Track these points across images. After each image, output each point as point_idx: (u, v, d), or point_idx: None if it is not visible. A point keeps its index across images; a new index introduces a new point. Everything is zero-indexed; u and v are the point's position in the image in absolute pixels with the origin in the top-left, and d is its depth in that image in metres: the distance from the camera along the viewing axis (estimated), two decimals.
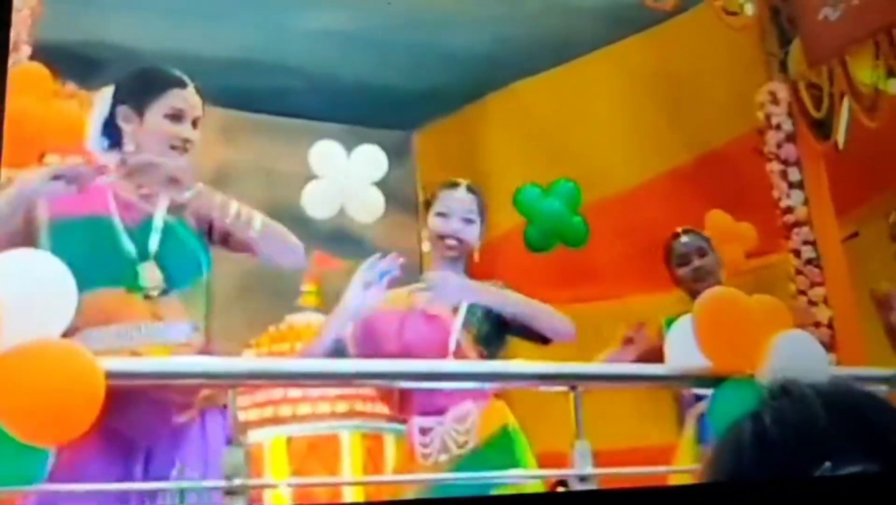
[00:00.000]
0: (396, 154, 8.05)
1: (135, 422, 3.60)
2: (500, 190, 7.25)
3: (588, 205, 6.97)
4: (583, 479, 3.84)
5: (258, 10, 7.39)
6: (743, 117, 7.57)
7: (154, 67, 4.18)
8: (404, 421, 4.35)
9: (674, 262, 5.47)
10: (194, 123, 4.03)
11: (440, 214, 4.49)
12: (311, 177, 7.52)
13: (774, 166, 7.34)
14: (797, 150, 7.37)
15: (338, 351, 4.18)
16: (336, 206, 7.44)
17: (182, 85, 4.03)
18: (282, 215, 7.33)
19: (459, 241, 4.47)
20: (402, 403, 4.32)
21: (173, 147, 3.95)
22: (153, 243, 3.84)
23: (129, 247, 3.81)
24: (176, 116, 3.96)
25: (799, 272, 7.01)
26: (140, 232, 3.84)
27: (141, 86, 4.02)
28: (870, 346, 6.07)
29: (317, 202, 7.37)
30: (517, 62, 8.25)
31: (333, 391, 6.53)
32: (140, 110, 3.96)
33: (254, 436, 6.16)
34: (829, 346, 6.43)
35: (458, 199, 4.51)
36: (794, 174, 7.29)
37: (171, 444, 3.65)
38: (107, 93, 4.03)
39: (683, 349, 4.34)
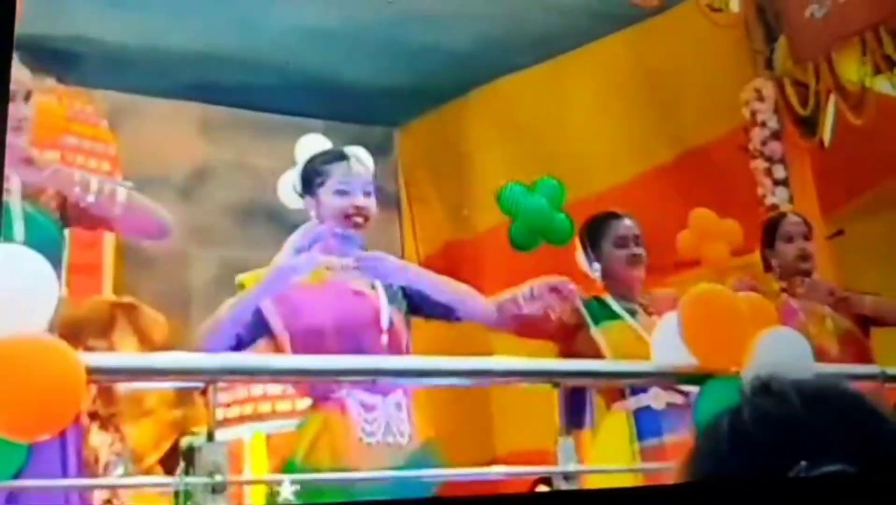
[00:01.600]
0: (378, 150, 8.05)
1: None
2: (482, 187, 7.29)
3: (572, 202, 6.97)
4: (567, 477, 3.86)
5: (240, 4, 7.39)
6: (728, 114, 7.60)
7: None
8: (325, 395, 4.14)
9: (608, 241, 5.31)
10: (26, 98, 3.91)
11: (340, 192, 4.35)
12: None
13: (759, 164, 7.38)
14: (782, 147, 7.40)
15: (255, 324, 4.12)
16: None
17: None
18: (261, 211, 7.40)
19: (366, 217, 4.35)
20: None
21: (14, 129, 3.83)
22: (18, 232, 3.77)
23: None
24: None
25: None
26: (4, 219, 3.71)
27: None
28: None
29: (292, 189, 7.34)
30: (500, 59, 8.25)
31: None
32: None
33: (234, 432, 6.15)
34: None
35: (355, 174, 4.39)
36: (779, 171, 7.33)
37: None
38: None
39: (669, 346, 4.37)
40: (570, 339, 4.94)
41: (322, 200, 4.38)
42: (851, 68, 7.34)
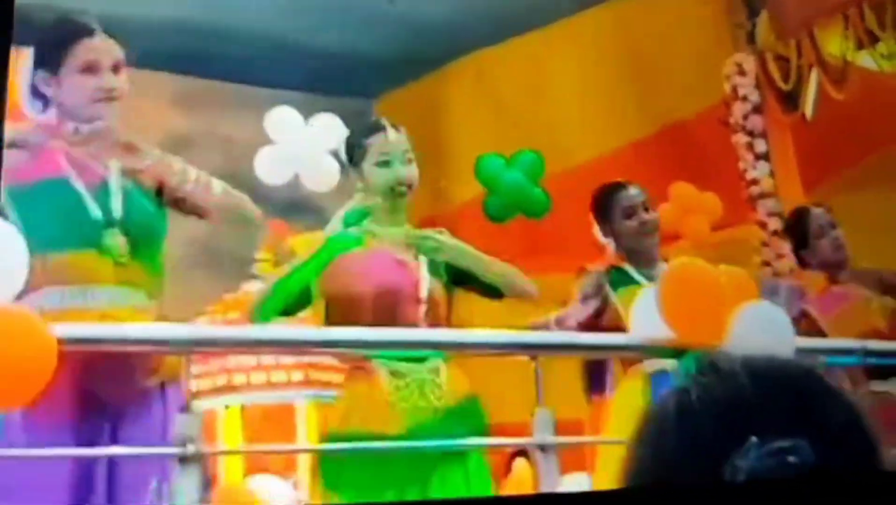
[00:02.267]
0: (357, 122, 8.04)
1: (105, 384, 3.60)
2: (461, 159, 7.27)
3: (550, 175, 6.97)
4: (543, 448, 3.85)
5: None
6: (709, 89, 7.60)
7: (59, 21, 4.05)
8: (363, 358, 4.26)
9: (616, 213, 5.30)
10: (115, 69, 3.92)
11: (382, 164, 4.39)
12: (267, 144, 7.50)
13: (740, 138, 7.39)
14: (764, 121, 7.40)
15: (302, 294, 4.24)
16: (290, 173, 7.39)
17: (89, 34, 3.88)
18: (236, 183, 7.32)
19: (409, 186, 4.40)
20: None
21: (97, 100, 3.88)
22: (116, 209, 3.80)
23: (94, 209, 3.77)
24: (90, 69, 3.87)
25: (765, 244, 7.05)
26: (101, 195, 3.80)
27: (50, 45, 3.92)
28: None
29: (270, 168, 7.32)
30: (479, 31, 8.22)
31: (289, 359, 6.53)
32: (55, 71, 3.86)
33: (208, 404, 6.14)
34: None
35: (394, 143, 4.41)
36: (760, 146, 7.33)
37: (137, 408, 3.63)
38: (27, 56, 3.98)
39: (647, 319, 4.36)
40: (600, 315, 4.97)
41: (366, 173, 4.41)
42: (834, 43, 7.34)
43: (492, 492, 4.10)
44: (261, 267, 6.92)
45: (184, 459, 3.30)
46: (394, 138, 4.42)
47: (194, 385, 5.93)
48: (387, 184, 4.36)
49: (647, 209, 5.20)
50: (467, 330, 4.35)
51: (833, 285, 5.57)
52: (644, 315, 4.39)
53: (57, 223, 3.70)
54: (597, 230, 5.34)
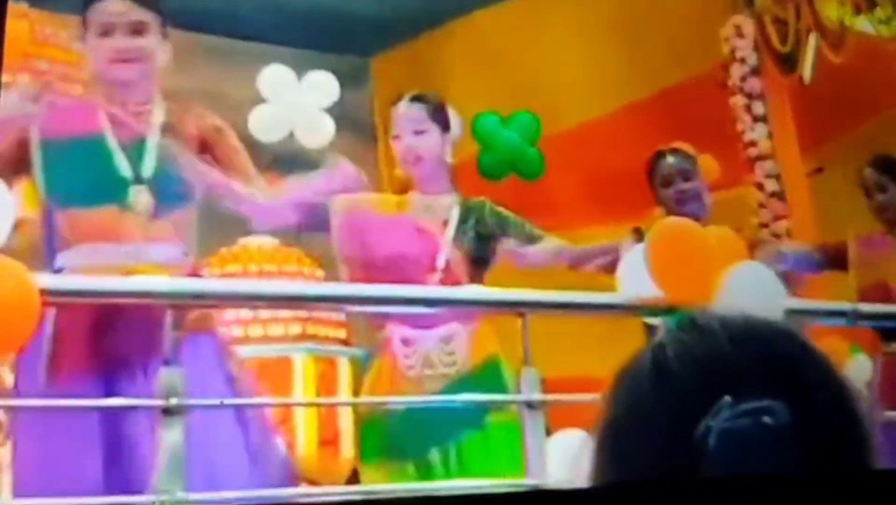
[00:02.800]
0: (354, 79, 8.02)
1: (129, 340, 3.61)
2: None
3: (548, 136, 6.96)
4: (530, 405, 3.84)
5: None
6: (707, 51, 7.57)
7: None
8: (381, 327, 4.34)
9: (657, 181, 5.32)
10: (135, 31, 3.92)
11: (395, 137, 4.47)
12: (262, 101, 7.49)
13: (739, 100, 7.36)
14: (762, 83, 7.36)
15: (316, 215, 4.30)
16: (284, 130, 7.41)
17: None
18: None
19: (417, 157, 4.42)
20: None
21: (113, 61, 3.88)
22: (147, 166, 3.83)
23: (124, 166, 3.81)
24: (105, 32, 3.88)
25: (762, 205, 7.03)
26: (134, 152, 3.83)
27: (80, 10, 3.98)
28: (832, 279, 6.07)
29: (264, 126, 7.33)
30: None
31: (286, 313, 6.53)
32: (85, 34, 3.93)
33: (258, 351, 6.13)
34: (793, 278, 6.47)
35: (403, 115, 4.47)
36: (758, 108, 7.31)
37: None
38: None
39: (636, 278, 4.34)
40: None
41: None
42: (831, 7, 7.33)
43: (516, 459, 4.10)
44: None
45: (167, 412, 3.29)
46: (403, 110, 4.47)
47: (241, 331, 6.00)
48: (399, 157, 4.47)
49: (686, 178, 5.19)
50: (455, 288, 4.33)
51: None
52: (633, 274, 4.37)
53: (84, 180, 3.77)
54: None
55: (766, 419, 1.15)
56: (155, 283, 3.63)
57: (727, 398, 1.16)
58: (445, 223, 4.40)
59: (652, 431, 1.20)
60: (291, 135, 7.42)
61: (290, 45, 7.66)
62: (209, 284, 4.13)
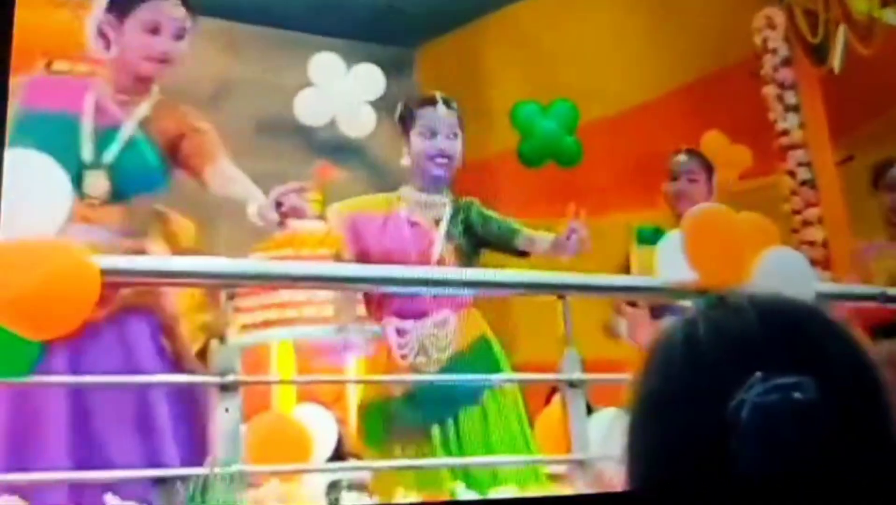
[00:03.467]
0: (398, 70, 8.00)
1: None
2: (497, 108, 7.24)
3: (584, 124, 6.94)
4: (572, 385, 3.86)
5: None
6: (740, 42, 7.51)
7: None
8: (378, 321, 4.38)
9: (669, 174, 5.37)
10: (179, 35, 3.95)
11: (426, 135, 4.48)
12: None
13: (771, 90, 7.30)
14: (793, 74, 7.32)
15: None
16: (327, 116, 7.42)
17: None
18: (282, 127, 7.38)
19: (448, 158, 4.48)
20: (379, 303, 4.35)
21: (150, 59, 3.90)
22: (111, 153, 3.81)
23: (87, 150, 3.79)
24: (153, 29, 3.90)
25: (794, 193, 6.99)
26: (104, 138, 3.83)
27: None
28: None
29: (308, 109, 7.35)
30: None
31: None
32: (121, 20, 3.92)
33: (261, 336, 6.15)
34: (825, 264, 6.45)
35: (441, 117, 4.49)
36: (790, 97, 7.25)
37: (84, 339, 3.51)
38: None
39: (673, 262, 4.34)
40: None
41: (411, 141, 4.51)
42: (860, 0, 7.26)
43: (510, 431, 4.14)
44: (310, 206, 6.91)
45: (224, 388, 3.31)
46: (442, 113, 4.50)
47: (249, 318, 6.01)
48: (426, 154, 4.45)
49: (691, 179, 5.26)
50: (498, 270, 4.34)
51: None
52: (670, 258, 4.37)
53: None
54: None
55: (796, 394, 1.16)
56: (209, 263, 3.65)
57: (759, 374, 1.17)
58: (437, 220, 4.43)
59: (685, 404, 1.22)
60: (333, 121, 7.44)
61: (336, 35, 7.66)
62: (258, 265, 4.14)
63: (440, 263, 4.33)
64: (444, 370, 4.22)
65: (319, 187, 6.99)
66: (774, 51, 7.35)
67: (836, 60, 7.27)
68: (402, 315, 4.28)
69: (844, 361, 1.23)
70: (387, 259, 4.27)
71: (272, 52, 7.85)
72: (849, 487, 1.17)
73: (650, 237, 5.08)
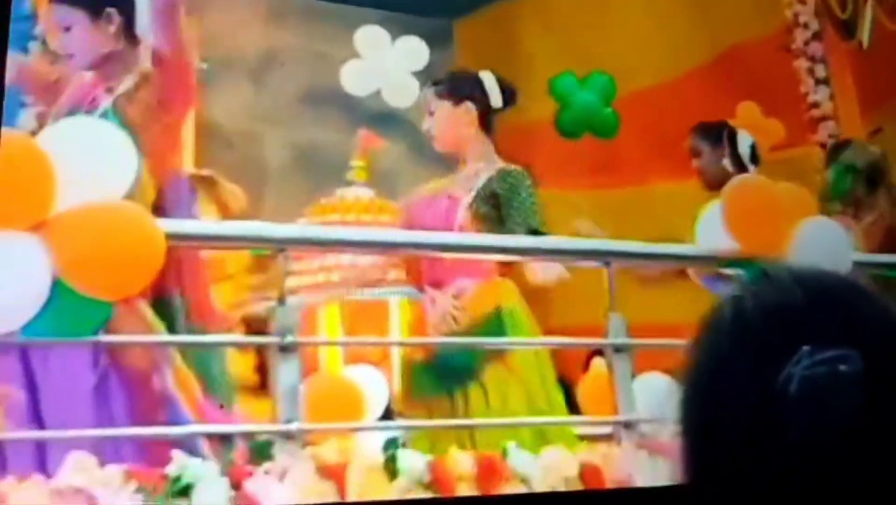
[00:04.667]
0: (438, 41, 7.97)
1: None
2: (535, 79, 7.21)
3: (621, 97, 6.92)
4: (617, 349, 3.86)
5: None
6: (771, 16, 7.47)
7: None
8: (422, 289, 4.44)
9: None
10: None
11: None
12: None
13: (802, 63, 7.28)
14: (823, 47, 7.28)
15: None
16: (373, 86, 7.41)
17: None
18: (328, 96, 7.37)
19: (432, 137, 4.56)
20: (418, 270, 4.43)
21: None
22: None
23: None
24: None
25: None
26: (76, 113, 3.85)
27: None
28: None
29: (354, 80, 7.35)
30: None
31: (384, 260, 6.57)
32: None
33: (310, 299, 6.16)
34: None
35: (422, 102, 4.68)
36: (820, 71, 7.23)
37: None
38: None
39: (713, 231, 4.34)
40: None
41: None
42: None
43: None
44: (355, 173, 6.91)
45: (284, 349, 3.32)
46: (424, 95, 4.63)
47: (296, 281, 6.01)
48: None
49: (696, 154, 5.34)
50: (544, 237, 4.32)
51: None
52: (710, 228, 4.36)
53: None
54: None
55: (842, 367, 1.17)
56: (268, 228, 3.66)
57: (806, 347, 1.18)
58: (470, 188, 4.43)
59: (736, 377, 1.22)
60: (378, 92, 7.44)
61: (381, 6, 7.63)
62: (316, 231, 4.15)
63: (461, 230, 4.33)
64: (448, 347, 4.30)
65: (364, 155, 7.01)
66: (805, 25, 7.32)
67: (864, 35, 7.24)
68: (433, 284, 4.34)
69: (887, 332, 1.23)
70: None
71: (313, 23, 7.85)
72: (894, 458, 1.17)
73: None
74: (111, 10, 3.89)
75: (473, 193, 4.40)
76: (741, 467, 1.20)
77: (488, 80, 4.59)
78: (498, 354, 4.22)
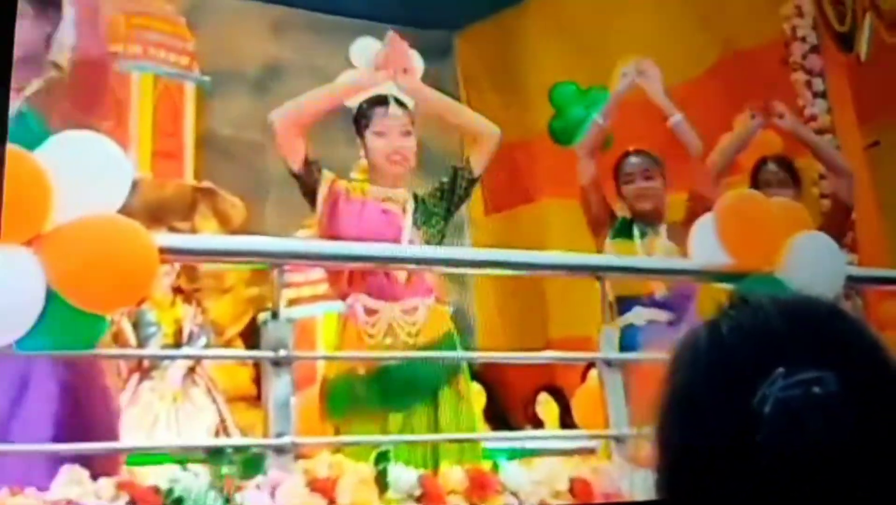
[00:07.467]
0: (438, 54, 7.98)
1: None
2: (536, 90, 7.22)
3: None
4: (609, 363, 3.86)
5: None
6: (769, 29, 7.48)
7: None
8: (343, 298, 4.33)
9: (620, 179, 5.34)
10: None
11: (378, 134, 4.47)
12: None
13: (800, 76, 7.28)
14: (821, 61, 7.29)
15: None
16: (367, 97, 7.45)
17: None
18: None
19: (405, 157, 4.46)
20: (349, 280, 4.30)
21: None
22: None
23: None
24: None
25: (822, 177, 6.94)
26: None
27: None
28: (890, 247, 6.03)
29: None
30: None
31: None
32: None
33: (308, 310, 6.15)
34: (851, 247, 6.43)
35: (393, 117, 4.49)
36: (818, 84, 7.23)
37: None
38: None
39: (706, 246, 4.34)
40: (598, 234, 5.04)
41: (367, 140, 4.50)
42: None
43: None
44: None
45: (276, 363, 3.32)
46: (393, 112, 4.49)
47: (294, 293, 6.00)
48: (381, 153, 4.44)
49: (647, 177, 5.25)
50: (537, 252, 4.34)
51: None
52: (703, 242, 4.36)
53: None
54: None
55: (816, 389, 1.17)
56: (262, 242, 3.67)
57: (781, 369, 1.18)
58: (404, 209, 4.39)
59: (711, 398, 1.22)
60: None
61: (381, 20, 7.64)
62: (311, 244, 4.14)
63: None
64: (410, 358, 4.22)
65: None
66: (803, 38, 7.33)
67: (862, 48, 7.24)
68: (372, 294, 4.25)
69: (864, 357, 1.23)
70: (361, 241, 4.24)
71: (314, 36, 7.88)
72: (870, 481, 1.17)
73: None
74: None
75: (411, 213, 4.41)
76: (716, 488, 1.20)
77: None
78: (454, 376, 4.20)
